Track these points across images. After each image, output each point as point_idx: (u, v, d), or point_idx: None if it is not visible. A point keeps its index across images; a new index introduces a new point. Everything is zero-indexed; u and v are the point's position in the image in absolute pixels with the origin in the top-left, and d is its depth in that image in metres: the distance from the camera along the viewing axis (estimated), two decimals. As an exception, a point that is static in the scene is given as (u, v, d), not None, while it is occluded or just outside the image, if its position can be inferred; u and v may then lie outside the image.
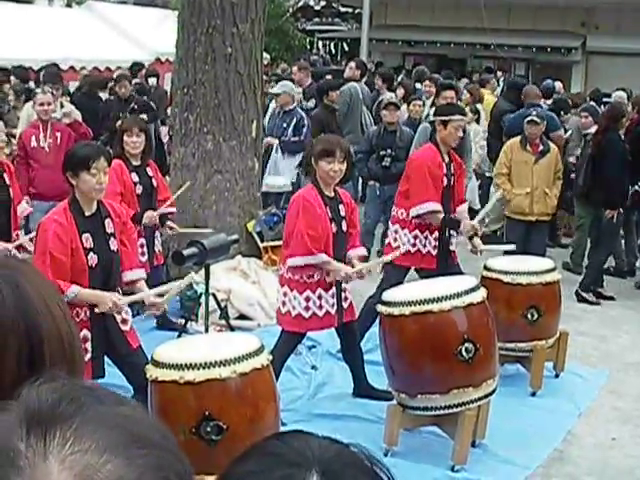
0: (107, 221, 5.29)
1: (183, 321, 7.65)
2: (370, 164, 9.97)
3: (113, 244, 5.29)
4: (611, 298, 9.76)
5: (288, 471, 1.02)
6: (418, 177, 7.11)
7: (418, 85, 14.20)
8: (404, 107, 11.48)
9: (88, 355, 5.22)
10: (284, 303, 6.22)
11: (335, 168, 6.09)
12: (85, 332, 5.19)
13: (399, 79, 16.18)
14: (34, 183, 8.95)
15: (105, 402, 0.97)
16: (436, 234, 7.17)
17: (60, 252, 5.01)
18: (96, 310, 5.15)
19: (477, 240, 7.38)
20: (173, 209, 7.77)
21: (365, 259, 6.72)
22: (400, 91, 13.30)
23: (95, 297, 5.13)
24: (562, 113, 12.11)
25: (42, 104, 9.17)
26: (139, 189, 7.45)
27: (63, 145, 8.93)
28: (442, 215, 7.08)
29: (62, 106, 10.91)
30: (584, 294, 9.65)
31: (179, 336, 7.22)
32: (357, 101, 11.91)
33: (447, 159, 7.27)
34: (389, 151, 9.92)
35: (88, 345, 5.21)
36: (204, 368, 4.47)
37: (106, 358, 5.48)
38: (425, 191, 7.03)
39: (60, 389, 0.98)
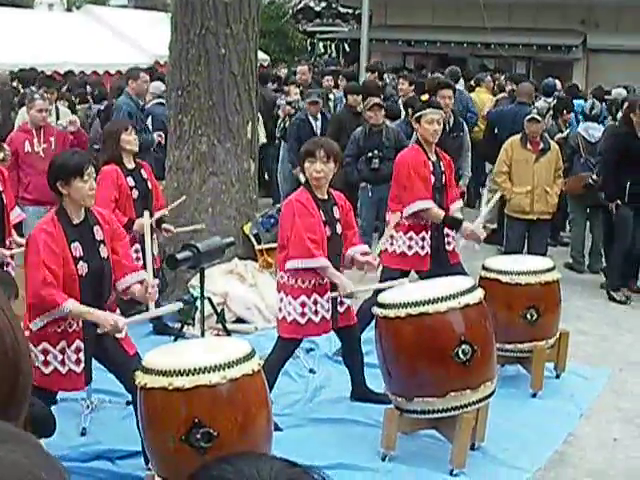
0: (96, 228, 5.21)
1: (179, 325, 7.58)
2: (360, 166, 9.92)
3: (103, 251, 5.20)
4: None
5: None
6: (404, 177, 7.02)
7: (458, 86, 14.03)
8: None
9: (81, 366, 5.15)
10: (280, 309, 6.14)
11: (318, 168, 5.99)
12: (78, 342, 5.12)
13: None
14: (28, 189, 8.88)
15: None
16: (430, 233, 7.08)
17: (53, 263, 4.93)
18: (98, 331, 5.06)
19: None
20: (166, 211, 7.69)
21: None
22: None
23: (92, 316, 5.01)
24: (565, 112, 11.99)
25: (41, 110, 9.11)
26: (135, 193, 7.38)
27: (58, 150, 8.85)
28: (442, 213, 6.98)
29: (57, 110, 10.87)
30: (613, 293, 9.59)
31: (175, 341, 7.16)
32: None
33: (434, 157, 7.17)
34: (376, 152, 9.87)
35: (81, 355, 5.14)
36: (193, 374, 4.38)
37: (99, 365, 5.41)
38: (412, 190, 6.93)
39: None
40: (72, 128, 9.42)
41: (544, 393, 6.82)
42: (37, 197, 8.69)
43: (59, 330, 5.05)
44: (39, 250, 4.93)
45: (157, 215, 7.48)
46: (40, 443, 0.95)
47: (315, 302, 6.04)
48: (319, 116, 11.64)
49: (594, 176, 9.95)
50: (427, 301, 5.35)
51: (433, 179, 7.07)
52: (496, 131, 11.74)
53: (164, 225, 7.63)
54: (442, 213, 7.00)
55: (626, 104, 10.83)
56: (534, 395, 6.82)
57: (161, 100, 11.12)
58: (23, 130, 9.25)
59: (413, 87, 13.13)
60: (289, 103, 12.78)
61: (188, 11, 8.62)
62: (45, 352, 5.07)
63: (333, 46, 31.75)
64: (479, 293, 5.54)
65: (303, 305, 6.02)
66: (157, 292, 5.47)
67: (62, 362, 5.11)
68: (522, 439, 6.03)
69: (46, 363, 5.08)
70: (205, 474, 1.05)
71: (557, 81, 15.44)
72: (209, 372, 4.39)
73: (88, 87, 13.76)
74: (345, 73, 16.61)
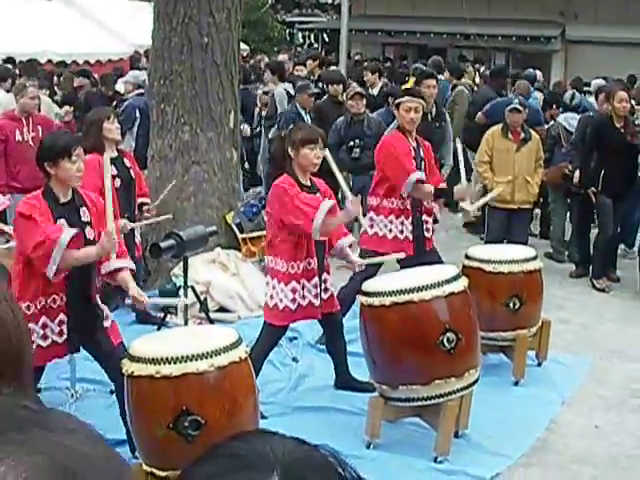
0: (83, 210, 5.23)
1: (162, 314, 7.57)
2: (341, 155, 9.92)
3: (90, 233, 5.18)
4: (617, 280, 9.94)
5: (248, 474, 0.97)
6: (391, 158, 7.12)
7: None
8: None
9: (63, 337, 5.18)
10: (272, 296, 6.13)
11: (318, 154, 6.08)
12: (62, 316, 5.14)
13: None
14: (18, 177, 8.83)
15: (47, 427, 0.90)
16: (411, 219, 7.20)
17: (42, 223, 4.95)
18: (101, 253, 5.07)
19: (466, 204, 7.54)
20: (147, 199, 7.68)
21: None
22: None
23: (90, 250, 5.06)
24: (553, 107, 11.97)
25: (33, 97, 9.10)
26: (117, 182, 7.35)
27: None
28: (432, 188, 7.09)
29: (39, 100, 10.82)
30: (594, 281, 9.68)
31: (158, 329, 7.15)
32: None
33: (414, 144, 7.29)
34: (357, 141, 9.90)
35: (64, 327, 5.17)
36: (181, 362, 4.39)
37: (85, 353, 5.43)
38: (402, 167, 7.04)
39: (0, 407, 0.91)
40: (67, 118, 9.50)
41: (526, 381, 6.87)
42: (27, 185, 8.63)
43: (39, 307, 5.07)
44: (30, 214, 4.95)
45: (138, 224, 7.47)
46: (99, 434, 0.96)
47: (303, 287, 6.08)
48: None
49: (570, 166, 10.05)
50: (412, 289, 5.38)
51: (414, 164, 7.15)
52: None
53: (144, 207, 7.61)
54: (432, 188, 7.14)
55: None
56: (516, 383, 6.87)
57: (141, 90, 11.08)
58: (11, 118, 9.14)
59: (377, 75, 13.14)
60: (265, 93, 12.72)
61: (171, 0, 8.60)
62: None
63: (312, 36, 31.75)
64: (463, 282, 5.57)
65: (294, 291, 6.05)
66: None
67: (44, 337, 5.12)
68: (505, 426, 6.08)
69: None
70: (218, 451, 1.06)
71: (538, 72, 15.51)
72: (197, 360, 4.40)
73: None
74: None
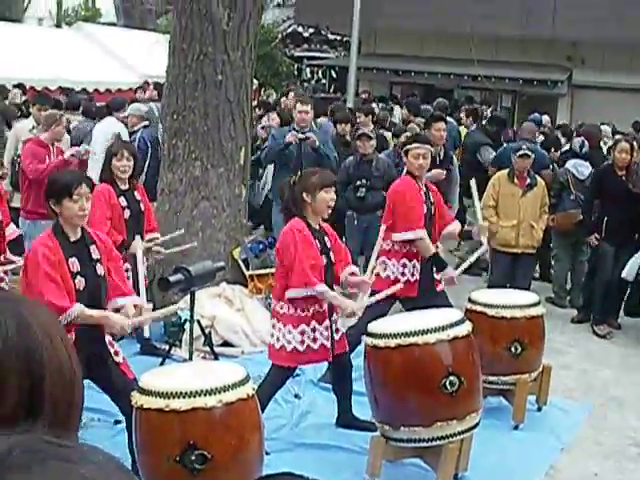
0: (92, 247, 5.30)
1: (167, 347, 7.64)
2: (348, 194, 10.02)
3: (100, 269, 5.28)
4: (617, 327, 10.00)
5: None
6: (401, 205, 7.22)
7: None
8: None
9: None
10: (278, 338, 6.17)
11: (334, 197, 6.20)
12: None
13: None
14: (42, 202, 8.91)
15: (69, 459, 0.96)
16: (420, 260, 7.30)
17: (53, 272, 5.00)
18: (106, 331, 5.19)
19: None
20: (157, 234, 7.76)
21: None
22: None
23: (101, 319, 5.15)
24: (552, 150, 12.10)
25: (65, 127, 9.23)
26: (127, 213, 7.44)
27: (69, 166, 8.93)
28: (433, 249, 7.18)
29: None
30: (595, 327, 9.76)
31: (162, 362, 7.22)
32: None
33: (424, 188, 7.39)
34: (364, 181, 9.99)
35: None
36: (190, 397, 4.46)
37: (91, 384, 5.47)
38: (408, 217, 7.15)
39: (18, 441, 0.96)
40: (85, 157, 9.54)
41: (526, 426, 6.91)
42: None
43: None
44: (38, 262, 4.99)
45: (147, 237, 7.57)
46: (127, 467, 1.03)
47: (314, 330, 6.13)
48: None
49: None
50: (416, 332, 5.45)
51: (425, 209, 7.24)
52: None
53: (154, 248, 7.70)
54: (433, 249, 7.18)
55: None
56: (516, 427, 6.91)
57: (147, 122, 11.07)
58: (41, 145, 9.22)
59: (371, 118, 13.16)
60: (262, 127, 12.73)
61: (187, 36, 8.74)
62: None
63: (320, 72, 31.87)
64: (467, 326, 5.64)
65: (302, 333, 6.10)
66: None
67: None
68: (504, 470, 6.12)
69: None
70: None
71: (546, 116, 15.61)
72: (205, 395, 4.47)
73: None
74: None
